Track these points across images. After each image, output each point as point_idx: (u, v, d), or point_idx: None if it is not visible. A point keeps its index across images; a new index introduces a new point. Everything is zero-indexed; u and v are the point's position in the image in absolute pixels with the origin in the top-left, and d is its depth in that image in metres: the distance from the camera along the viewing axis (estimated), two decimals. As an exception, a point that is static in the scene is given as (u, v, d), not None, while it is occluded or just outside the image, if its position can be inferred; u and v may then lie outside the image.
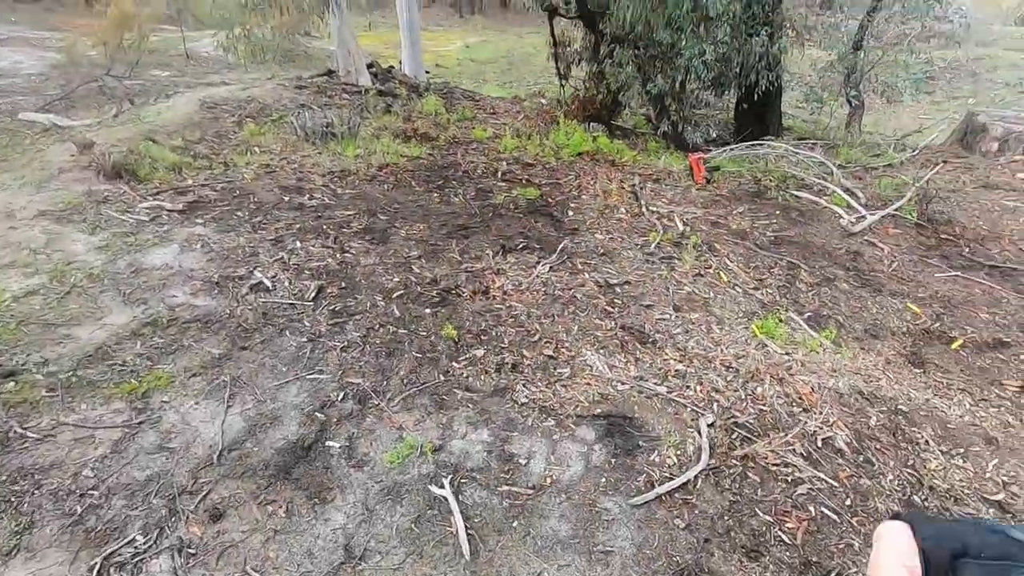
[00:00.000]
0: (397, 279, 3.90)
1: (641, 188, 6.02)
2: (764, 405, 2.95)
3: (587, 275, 4.22)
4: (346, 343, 3.20)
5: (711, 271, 4.46)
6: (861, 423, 2.91)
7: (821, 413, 2.93)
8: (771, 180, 6.55)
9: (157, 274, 3.75)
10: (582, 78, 9.51)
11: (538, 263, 4.33)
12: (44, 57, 13.03)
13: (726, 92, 8.53)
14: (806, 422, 2.85)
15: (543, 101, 10.99)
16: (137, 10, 11.41)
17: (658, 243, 4.83)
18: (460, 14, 30.77)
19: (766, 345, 3.54)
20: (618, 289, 4.04)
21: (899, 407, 3.07)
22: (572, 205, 5.54)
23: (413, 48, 11.20)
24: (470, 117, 9.09)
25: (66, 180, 5.00)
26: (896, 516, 0.89)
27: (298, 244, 4.26)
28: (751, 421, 2.84)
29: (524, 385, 2.98)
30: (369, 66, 10.50)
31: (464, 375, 3.04)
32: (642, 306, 3.85)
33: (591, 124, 8.59)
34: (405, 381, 2.96)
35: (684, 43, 7.20)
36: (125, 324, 3.23)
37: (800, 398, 3.05)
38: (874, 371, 3.45)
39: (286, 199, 5.08)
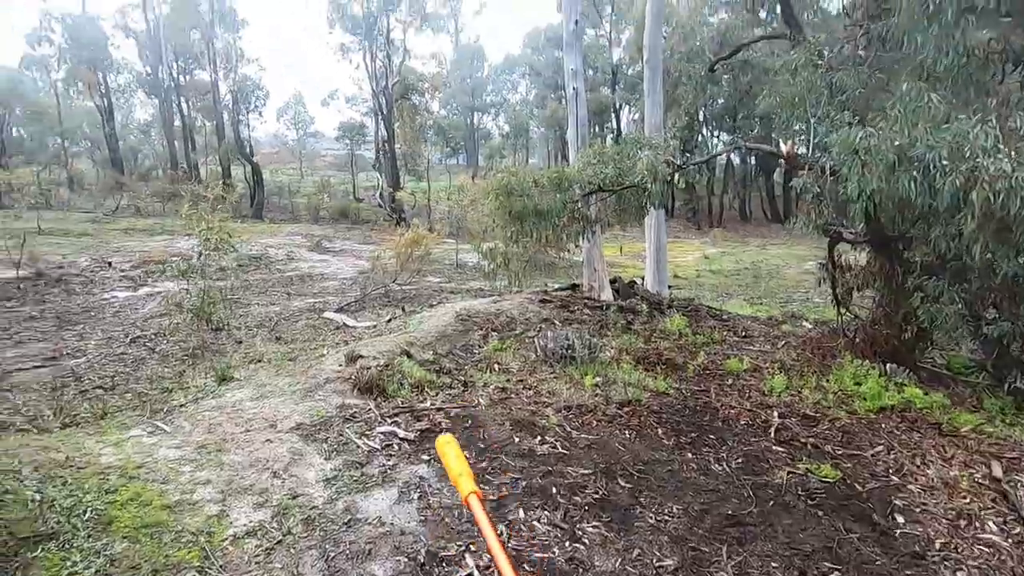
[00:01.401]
0: (646, 613, 2.72)
1: (1016, 487, 3.96)
2: None
3: (975, 675, 2.43)
4: None
5: None
6: None
7: None
8: None
9: (367, 532, 3.26)
10: (866, 305, 7.89)
11: (870, 621, 2.72)
12: (357, 265, 16.58)
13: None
14: None
15: (808, 326, 9.44)
16: (427, 232, 13.90)
17: (1102, 622, 2.77)
18: (698, 226, 31.69)
19: None
20: None
21: None
22: (898, 503, 3.80)
23: (658, 266, 11.09)
24: (719, 341, 8.07)
25: (328, 391, 5.29)
26: None
27: (521, 514, 3.46)
28: None
29: None
30: (612, 281, 10.56)
31: None
32: None
33: (886, 363, 6.73)
34: None
35: (1046, 276, 5.32)
36: (313, 612, 2.65)
37: None
38: None
39: (516, 439, 4.50)
